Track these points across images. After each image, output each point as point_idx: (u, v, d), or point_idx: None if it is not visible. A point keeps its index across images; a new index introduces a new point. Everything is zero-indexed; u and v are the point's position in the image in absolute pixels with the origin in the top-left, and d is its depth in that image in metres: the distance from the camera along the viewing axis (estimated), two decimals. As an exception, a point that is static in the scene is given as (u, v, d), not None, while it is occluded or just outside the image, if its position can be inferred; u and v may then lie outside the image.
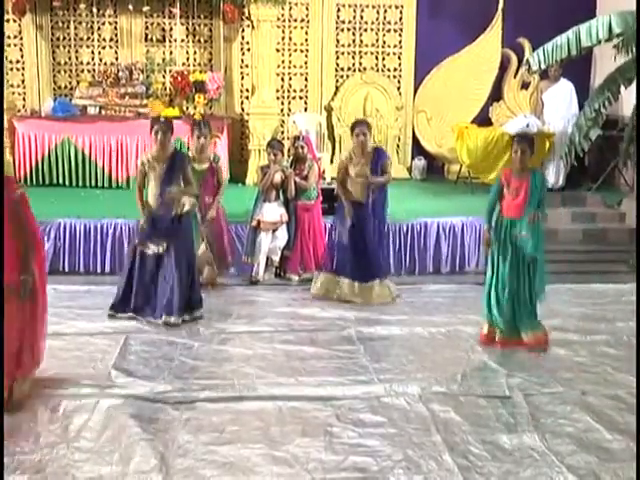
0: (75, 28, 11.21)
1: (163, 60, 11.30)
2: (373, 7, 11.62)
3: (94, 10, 11.05)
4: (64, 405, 5.28)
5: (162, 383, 5.69)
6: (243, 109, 11.55)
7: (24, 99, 11.26)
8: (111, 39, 11.31)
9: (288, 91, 11.71)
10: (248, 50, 11.34)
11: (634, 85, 8.99)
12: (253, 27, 10.71)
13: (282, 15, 11.25)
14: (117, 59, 11.29)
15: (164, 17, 11.27)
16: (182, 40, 11.33)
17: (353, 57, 11.75)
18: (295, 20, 11.51)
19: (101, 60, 11.31)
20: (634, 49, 8.73)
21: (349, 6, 11.59)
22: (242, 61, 11.50)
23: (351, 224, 7.77)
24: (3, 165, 5.22)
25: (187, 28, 11.34)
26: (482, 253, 8.73)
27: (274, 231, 8.39)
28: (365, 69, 11.74)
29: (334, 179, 9.47)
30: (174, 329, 6.86)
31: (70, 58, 11.31)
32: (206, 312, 7.27)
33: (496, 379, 5.90)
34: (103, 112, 10.72)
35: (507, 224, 6.51)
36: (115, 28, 11.27)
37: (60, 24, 11.20)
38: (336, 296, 7.86)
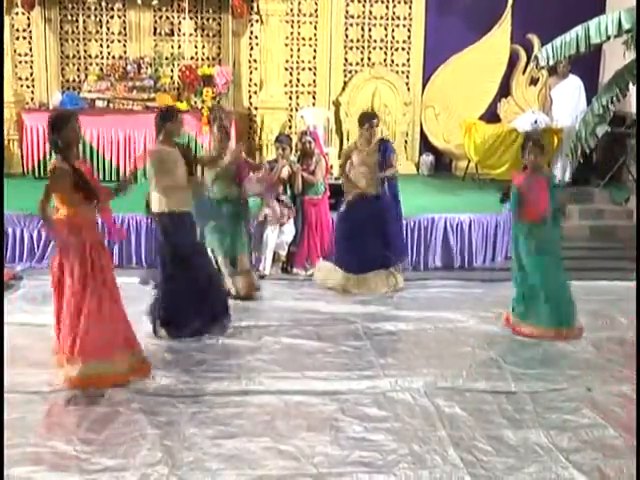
0: (84, 22, 11.23)
1: (171, 54, 11.30)
2: (382, 2, 11.60)
3: (103, 3, 11.08)
4: (70, 397, 5.31)
5: (168, 376, 5.72)
6: (251, 103, 11.55)
7: (32, 92, 11.29)
8: (120, 33, 11.32)
9: (296, 86, 11.71)
10: (257, 44, 11.34)
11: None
12: (262, 22, 10.71)
13: (291, 10, 11.24)
14: (125, 53, 11.31)
15: (173, 11, 11.28)
16: (191, 34, 11.33)
17: (362, 52, 11.73)
18: (304, 15, 11.50)
19: (109, 54, 11.33)
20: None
21: (358, 1, 11.56)
22: (250, 55, 11.50)
23: (360, 216, 7.87)
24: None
25: (196, 22, 11.35)
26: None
27: (281, 226, 8.40)
28: (373, 64, 11.71)
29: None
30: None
31: (78, 51, 11.33)
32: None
33: (501, 375, 5.90)
34: (111, 105, 10.74)
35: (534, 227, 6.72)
36: (124, 22, 11.28)
37: (69, 17, 11.22)
38: (331, 284, 8.00)
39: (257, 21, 11.13)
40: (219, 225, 7.41)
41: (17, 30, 11.07)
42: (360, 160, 7.88)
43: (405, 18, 11.66)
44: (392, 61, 11.79)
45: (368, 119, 7.92)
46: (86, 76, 11.17)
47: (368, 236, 7.87)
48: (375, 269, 7.98)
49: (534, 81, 11.76)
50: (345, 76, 11.74)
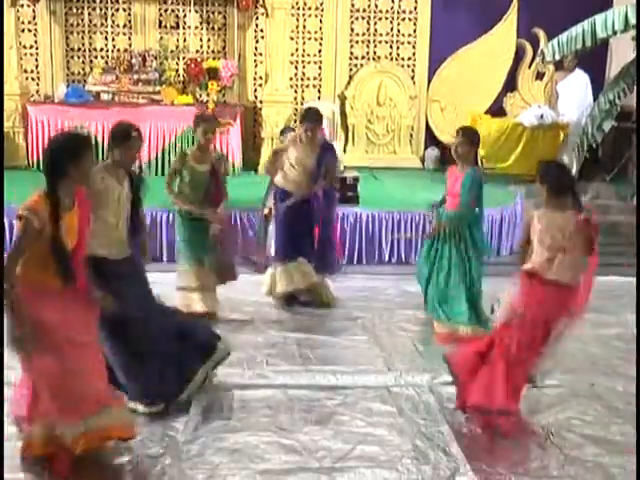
0: (89, 14, 11.21)
1: (177, 47, 11.28)
2: (388, -4, 11.59)
3: (108, -4, 11.09)
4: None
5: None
6: (256, 97, 11.53)
7: (37, 84, 11.29)
8: (125, 25, 11.31)
9: (302, 79, 11.68)
10: (262, 38, 11.32)
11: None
12: (267, 15, 10.69)
13: (297, 3, 11.21)
14: (130, 45, 11.29)
15: (178, 4, 11.26)
16: (196, 27, 11.31)
17: (367, 46, 11.69)
18: (310, 8, 11.46)
19: (114, 46, 11.31)
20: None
21: (363, -6, 11.57)
22: (256, 49, 11.48)
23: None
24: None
25: (201, 15, 11.32)
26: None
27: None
28: (379, 58, 11.68)
29: (346, 168, 9.49)
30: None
31: (84, 44, 11.32)
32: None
33: (506, 370, 5.89)
34: (116, 99, 10.72)
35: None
36: (129, 14, 11.26)
37: (74, 10, 11.19)
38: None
39: (262, 14, 11.11)
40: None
41: (22, 23, 11.05)
42: (296, 157, 7.03)
43: (411, 12, 11.61)
44: (398, 55, 11.76)
45: (307, 122, 6.95)
46: (91, 69, 11.16)
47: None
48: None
49: (540, 75, 11.72)
50: (351, 70, 11.71)
